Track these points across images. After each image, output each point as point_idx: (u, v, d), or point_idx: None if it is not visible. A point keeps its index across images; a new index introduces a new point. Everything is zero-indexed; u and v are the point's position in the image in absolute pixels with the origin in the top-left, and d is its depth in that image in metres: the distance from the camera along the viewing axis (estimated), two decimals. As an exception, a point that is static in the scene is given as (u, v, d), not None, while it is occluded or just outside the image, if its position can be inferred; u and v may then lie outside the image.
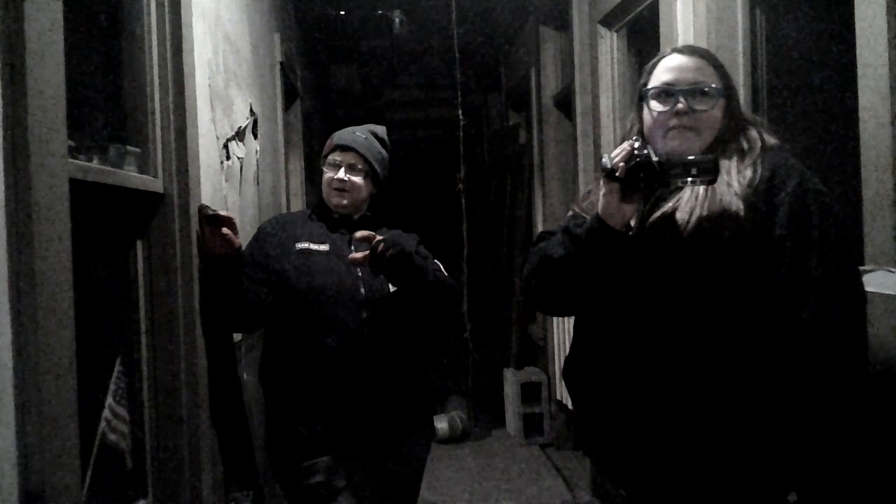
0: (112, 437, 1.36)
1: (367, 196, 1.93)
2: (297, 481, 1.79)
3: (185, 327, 1.57)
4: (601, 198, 1.22)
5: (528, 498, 3.42)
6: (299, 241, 1.86)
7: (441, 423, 4.23)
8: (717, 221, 1.19)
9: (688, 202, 1.23)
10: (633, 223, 1.28)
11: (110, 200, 1.36)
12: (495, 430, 4.51)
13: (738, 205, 1.19)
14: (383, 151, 1.95)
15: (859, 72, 1.36)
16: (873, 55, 1.32)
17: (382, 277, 1.78)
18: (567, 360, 1.44)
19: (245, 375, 2.10)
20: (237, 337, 2.04)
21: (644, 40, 2.78)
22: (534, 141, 4.28)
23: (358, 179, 1.88)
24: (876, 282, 1.29)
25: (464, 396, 4.62)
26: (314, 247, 1.85)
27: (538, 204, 4.20)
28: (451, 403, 4.56)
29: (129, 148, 1.46)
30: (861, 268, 1.28)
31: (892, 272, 1.27)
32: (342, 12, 4.28)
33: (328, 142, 1.95)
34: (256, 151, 2.54)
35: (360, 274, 1.81)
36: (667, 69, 1.32)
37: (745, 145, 1.28)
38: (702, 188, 1.21)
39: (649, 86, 1.33)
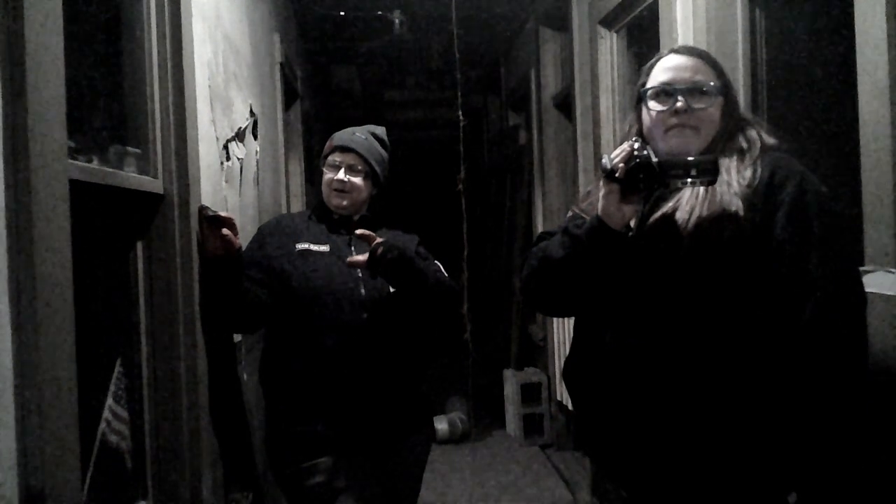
0: (112, 437, 1.36)
1: (366, 197, 1.93)
2: (298, 482, 1.79)
3: (185, 328, 1.56)
4: (601, 198, 1.22)
5: (528, 498, 3.42)
6: (299, 241, 1.86)
7: (441, 424, 4.23)
8: (716, 222, 1.19)
9: (688, 202, 1.24)
10: (632, 224, 1.28)
11: (110, 201, 1.36)
12: (495, 431, 4.51)
13: (737, 205, 1.19)
14: (383, 152, 1.95)
15: (859, 72, 1.36)
16: (873, 55, 1.32)
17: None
18: (567, 360, 1.44)
19: (245, 376, 2.10)
20: (237, 337, 2.04)
21: (644, 41, 2.78)
22: (534, 141, 4.28)
23: (358, 180, 1.88)
24: (876, 282, 1.29)
25: (464, 397, 4.62)
26: (314, 247, 1.85)
27: (538, 204, 4.20)
28: (452, 404, 4.56)
29: (128, 149, 1.46)
30: (861, 268, 1.28)
31: (892, 272, 1.27)
32: (342, 13, 4.28)
33: (328, 143, 1.95)
34: (256, 152, 2.54)
35: (359, 274, 1.81)
36: (665, 69, 1.32)
37: (745, 144, 1.28)
38: (702, 188, 1.21)
39: (648, 86, 1.33)
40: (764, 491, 1.20)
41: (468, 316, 4.28)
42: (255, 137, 2.53)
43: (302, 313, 1.79)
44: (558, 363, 3.76)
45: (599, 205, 1.22)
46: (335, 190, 1.88)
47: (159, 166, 1.54)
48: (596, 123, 3.02)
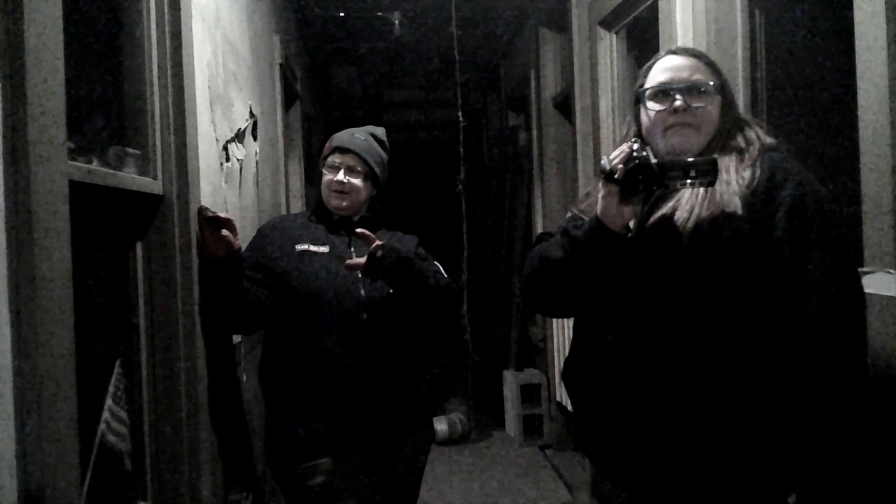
0: (111, 438, 1.36)
1: (366, 198, 1.93)
2: (298, 483, 1.79)
3: (184, 329, 1.56)
4: (600, 199, 1.22)
5: (528, 499, 3.42)
6: (299, 242, 1.86)
7: (441, 425, 4.23)
8: (716, 222, 1.19)
9: (687, 203, 1.24)
10: (632, 225, 1.28)
11: (110, 202, 1.36)
12: (495, 432, 4.50)
13: (737, 205, 1.19)
14: (383, 153, 1.95)
15: (859, 72, 1.36)
16: (873, 56, 1.32)
17: (382, 279, 1.79)
18: (566, 361, 1.44)
19: (245, 377, 2.10)
20: (237, 338, 2.04)
21: (643, 42, 2.78)
22: (533, 142, 4.28)
23: (357, 181, 1.88)
24: (875, 283, 1.29)
25: (463, 397, 4.62)
26: (314, 248, 1.85)
27: (538, 205, 4.21)
28: (451, 405, 4.56)
29: (128, 150, 1.46)
30: (860, 269, 1.28)
31: (892, 273, 1.27)
32: (342, 14, 4.28)
33: (327, 144, 1.95)
34: (256, 153, 2.54)
35: (359, 275, 1.81)
36: (663, 70, 1.33)
37: (744, 144, 1.29)
38: (701, 189, 1.21)
39: (646, 87, 1.33)
40: (764, 492, 1.20)
41: (468, 316, 4.29)
42: (255, 138, 2.53)
43: (302, 314, 1.79)
44: (558, 364, 3.76)
45: (598, 206, 1.22)
46: (334, 191, 1.88)
47: (159, 167, 1.54)
48: (595, 124, 3.02)
